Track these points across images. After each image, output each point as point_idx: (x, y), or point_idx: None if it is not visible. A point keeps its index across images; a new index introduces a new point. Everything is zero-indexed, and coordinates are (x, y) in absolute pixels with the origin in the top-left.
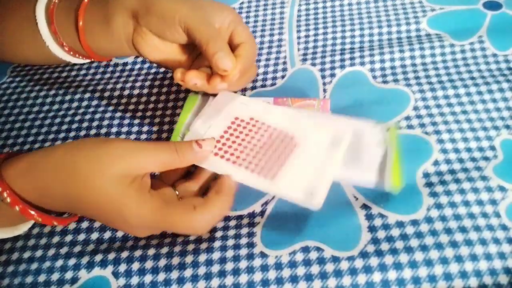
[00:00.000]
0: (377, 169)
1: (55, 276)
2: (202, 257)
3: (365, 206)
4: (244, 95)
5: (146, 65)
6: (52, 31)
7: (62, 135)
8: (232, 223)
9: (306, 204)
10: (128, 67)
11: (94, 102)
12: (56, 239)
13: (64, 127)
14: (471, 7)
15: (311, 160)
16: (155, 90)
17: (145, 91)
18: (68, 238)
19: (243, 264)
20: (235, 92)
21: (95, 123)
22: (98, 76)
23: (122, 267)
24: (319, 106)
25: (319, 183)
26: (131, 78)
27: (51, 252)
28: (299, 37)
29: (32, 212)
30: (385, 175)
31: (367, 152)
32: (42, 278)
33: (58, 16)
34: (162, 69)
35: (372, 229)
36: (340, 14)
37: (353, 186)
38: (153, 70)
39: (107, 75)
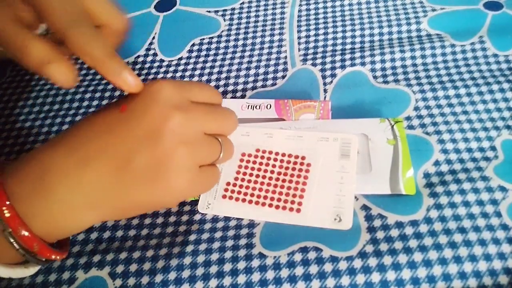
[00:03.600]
0: (389, 175)
1: (52, 277)
2: (201, 258)
3: (365, 207)
4: (245, 95)
5: (147, 65)
6: None
7: None
8: (233, 223)
9: (336, 228)
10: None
11: (95, 102)
12: None
13: (65, 127)
14: (471, 7)
15: (329, 181)
16: None
17: None
18: None
19: (241, 264)
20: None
21: None
22: (98, 76)
23: (120, 268)
24: (320, 107)
25: (344, 206)
26: None
27: None
28: (299, 37)
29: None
30: (398, 178)
31: (377, 157)
32: (39, 279)
33: None
34: (162, 69)
35: (371, 229)
36: (340, 14)
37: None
38: (153, 71)
39: None
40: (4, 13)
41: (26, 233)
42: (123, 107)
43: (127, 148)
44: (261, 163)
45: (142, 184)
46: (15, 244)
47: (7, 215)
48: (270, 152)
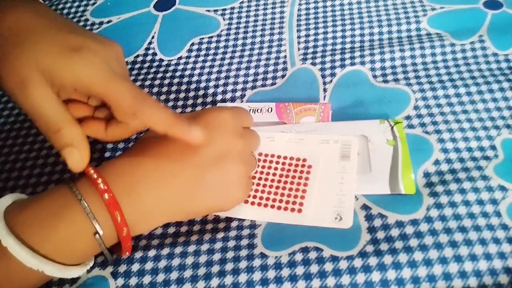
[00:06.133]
0: (389, 175)
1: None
2: (203, 258)
3: (365, 207)
4: (244, 95)
5: (146, 65)
6: None
7: None
8: (234, 224)
9: (337, 226)
10: (128, 66)
11: None
12: None
13: None
14: (471, 6)
15: (330, 182)
16: (155, 90)
17: (145, 90)
18: None
19: (243, 264)
20: None
21: None
22: None
23: (122, 268)
24: (320, 110)
25: (344, 206)
26: (131, 78)
27: None
28: (299, 37)
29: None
30: (398, 178)
31: (377, 158)
32: None
33: None
34: (162, 69)
35: (371, 229)
36: (340, 13)
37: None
38: (153, 70)
39: None
40: (47, 92)
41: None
42: None
43: (201, 167)
44: (263, 166)
45: (211, 195)
46: (104, 248)
47: (124, 233)
48: (272, 156)
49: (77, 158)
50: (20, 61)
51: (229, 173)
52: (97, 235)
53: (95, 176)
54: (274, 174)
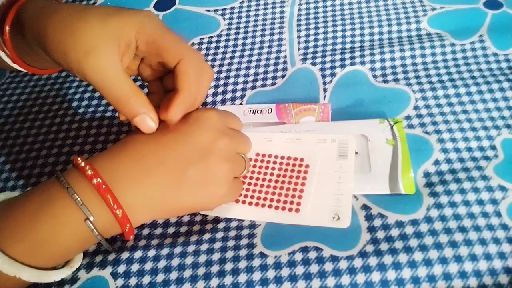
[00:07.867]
0: (389, 175)
1: None
2: (202, 258)
3: (365, 207)
4: (244, 95)
5: None
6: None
7: (62, 135)
8: (234, 224)
9: (334, 226)
10: None
11: (94, 102)
12: None
13: (64, 127)
14: (471, 6)
15: (327, 181)
16: None
17: (146, 90)
18: None
19: (242, 264)
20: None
21: (95, 123)
22: None
23: (121, 268)
24: (320, 110)
25: (342, 205)
26: (131, 77)
27: None
28: (299, 37)
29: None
30: (398, 178)
31: (376, 157)
32: None
33: None
34: None
35: (371, 229)
36: (340, 13)
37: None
38: None
39: None
40: (114, 62)
41: (119, 214)
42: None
43: (182, 162)
44: (260, 167)
45: (193, 191)
46: (97, 234)
47: (119, 214)
48: (270, 156)
49: (150, 122)
50: (86, 31)
51: (211, 169)
52: (87, 221)
53: (82, 164)
54: (271, 174)
